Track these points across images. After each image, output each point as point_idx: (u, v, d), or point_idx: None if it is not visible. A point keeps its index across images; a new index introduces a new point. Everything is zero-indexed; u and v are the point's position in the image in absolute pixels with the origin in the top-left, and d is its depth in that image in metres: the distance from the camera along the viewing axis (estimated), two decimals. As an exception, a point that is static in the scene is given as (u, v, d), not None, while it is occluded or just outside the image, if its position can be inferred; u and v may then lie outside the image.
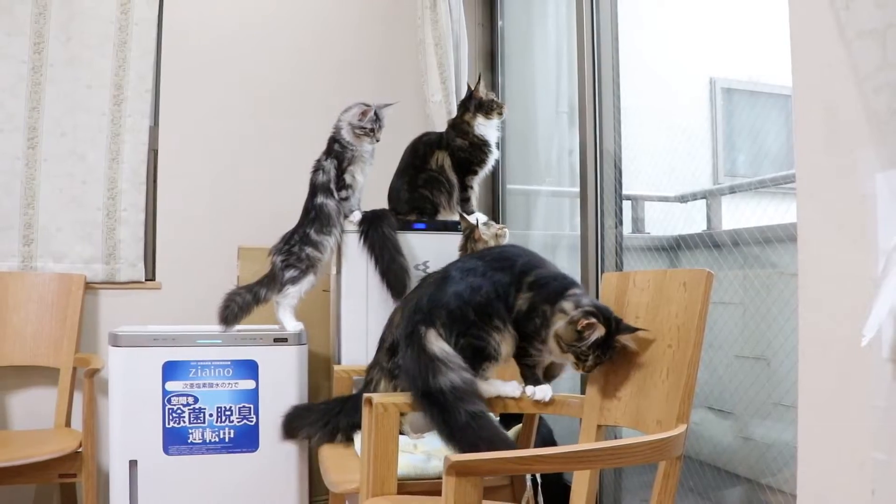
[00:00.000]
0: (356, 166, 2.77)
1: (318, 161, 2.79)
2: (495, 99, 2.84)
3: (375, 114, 2.74)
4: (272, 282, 2.73)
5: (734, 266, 2.18)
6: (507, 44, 3.76)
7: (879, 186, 1.09)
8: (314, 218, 2.73)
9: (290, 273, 2.70)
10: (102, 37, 3.22)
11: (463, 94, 3.38)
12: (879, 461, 1.08)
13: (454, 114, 3.32)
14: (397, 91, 3.56)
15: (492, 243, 2.51)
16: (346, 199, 2.76)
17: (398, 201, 2.87)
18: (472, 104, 2.81)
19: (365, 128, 2.72)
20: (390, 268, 2.66)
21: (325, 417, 2.44)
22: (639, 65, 2.76)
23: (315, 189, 2.76)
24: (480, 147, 2.81)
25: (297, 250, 2.71)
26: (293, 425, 2.56)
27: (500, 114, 2.84)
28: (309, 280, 2.73)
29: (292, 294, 2.71)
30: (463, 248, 2.59)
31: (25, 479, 2.60)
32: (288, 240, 2.74)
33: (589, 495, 1.73)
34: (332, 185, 2.74)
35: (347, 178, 2.76)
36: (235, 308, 2.69)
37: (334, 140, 2.78)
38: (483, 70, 3.77)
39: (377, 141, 2.78)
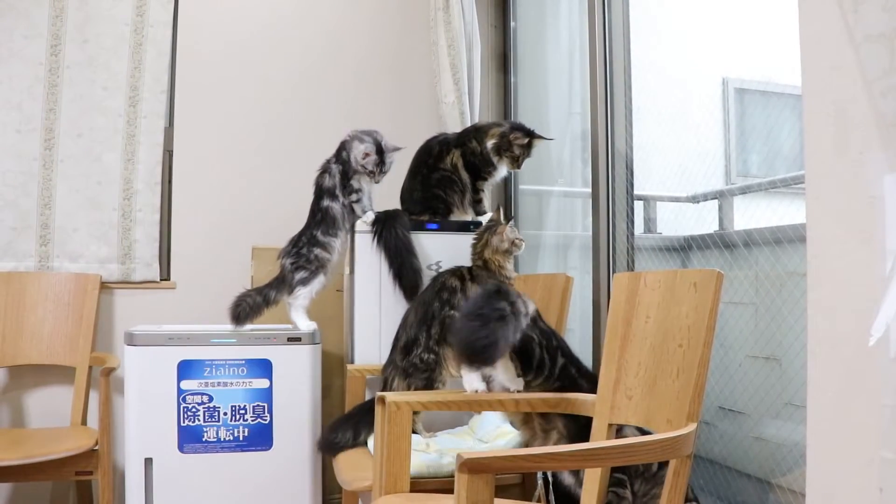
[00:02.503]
0: (362, 176, 2.78)
1: (327, 162, 2.80)
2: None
3: (381, 156, 2.74)
4: (282, 284, 2.75)
5: (745, 266, 2.19)
6: (519, 45, 3.77)
7: (888, 188, 1.10)
8: (320, 220, 2.74)
9: (300, 275, 2.72)
10: (118, 39, 3.25)
11: (476, 96, 3.40)
12: (887, 459, 1.09)
13: (466, 115, 3.34)
14: (410, 92, 3.58)
15: (505, 246, 2.51)
16: (358, 201, 2.77)
17: (411, 201, 2.87)
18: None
19: (366, 168, 2.74)
20: (403, 270, 2.67)
21: (355, 425, 2.46)
22: (651, 65, 2.76)
23: (321, 192, 2.77)
24: (490, 163, 2.80)
25: (305, 252, 2.73)
26: (333, 443, 2.49)
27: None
28: (319, 280, 2.75)
29: (303, 295, 2.73)
30: (479, 237, 2.56)
31: (42, 476, 2.62)
32: (296, 242, 2.76)
33: (600, 494, 1.74)
34: (338, 191, 2.75)
35: (355, 183, 2.76)
36: (246, 307, 2.71)
37: (343, 148, 2.78)
38: (495, 71, 3.78)
39: (377, 182, 2.79)
